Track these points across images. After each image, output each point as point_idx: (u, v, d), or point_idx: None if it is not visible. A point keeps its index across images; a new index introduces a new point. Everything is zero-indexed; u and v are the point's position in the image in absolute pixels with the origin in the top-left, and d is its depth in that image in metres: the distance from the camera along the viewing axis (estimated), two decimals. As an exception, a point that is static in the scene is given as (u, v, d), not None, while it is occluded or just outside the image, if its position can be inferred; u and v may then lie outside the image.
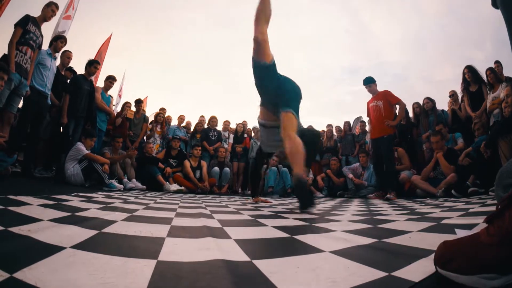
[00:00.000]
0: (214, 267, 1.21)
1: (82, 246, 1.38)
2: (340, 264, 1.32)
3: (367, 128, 11.81)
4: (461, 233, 1.29)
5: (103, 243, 1.51)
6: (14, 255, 1.17)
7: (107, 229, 1.84)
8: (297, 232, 2.14)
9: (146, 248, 1.46)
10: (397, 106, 8.54)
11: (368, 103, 8.82)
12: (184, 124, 12.78)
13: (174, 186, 9.26)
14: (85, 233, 1.65)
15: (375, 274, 1.14)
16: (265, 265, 1.25)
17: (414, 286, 1.03)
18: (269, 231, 2.22)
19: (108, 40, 16.55)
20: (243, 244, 1.68)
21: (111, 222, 2.09)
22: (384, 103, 8.28)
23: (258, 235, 2.05)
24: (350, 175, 10.06)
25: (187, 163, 10.25)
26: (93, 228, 1.81)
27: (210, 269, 1.18)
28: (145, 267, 1.14)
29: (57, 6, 6.97)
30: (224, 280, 1.07)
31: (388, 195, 7.36)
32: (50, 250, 1.26)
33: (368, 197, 8.26)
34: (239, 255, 1.42)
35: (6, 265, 1.01)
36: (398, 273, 1.14)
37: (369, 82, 8.69)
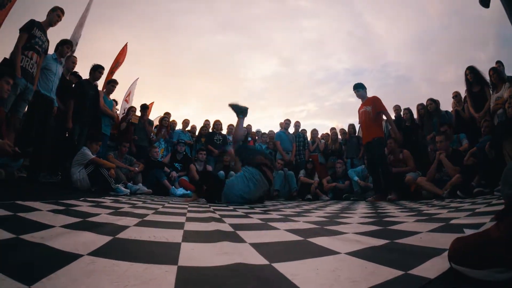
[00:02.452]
0: (236, 271, 1.22)
1: (99, 253, 1.36)
2: (357, 264, 1.36)
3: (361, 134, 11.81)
4: (470, 233, 1.31)
5: (120, 249, 1.49)
6: (30, 265, 1.13)
7: (121, 235, 1.83)
8: (309, 235, 2.15)
9: (164, 253, 1.46)
10: (384, 117, 8.60)
11: (358, 110, 8.91)
12: (189, 128, 12.80)
13: (180, 190, 9.23)
14: (100, 239, 1.63)
15: (393, 273, 1.18)
16: (285, 268, 1.26)
17: (431, 282, 1.07)
18: (282, 234, 2.24)
19: (124, 50, 16.50)
20: (259, 247, 1.69)
21: (124, 228, 2.08)
22: (372, 108, 8.33)
23: (272, 238, 2.04)
24: (356, 178, 10.00)
25: (193, 167, 10.24)
26: (107, 234, 1.79)
27: (232, 273, 1.19)
28: (167, 273, 1.13)
29: (62, 11, 6.93)
30: (250, 284, 1.08)
31: (389, 196, 7.40)
32: (67, 258, 1.23)
33: (367, 200, 8.14)
34: (258, 259, 1.43)
35: (23, 276, 0.99)
36: (414, 271, 1.19)
37: (356, 87, 8.84)
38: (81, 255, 1.28)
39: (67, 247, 1.40)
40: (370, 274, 1.19)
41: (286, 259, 1.43)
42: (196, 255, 1.47)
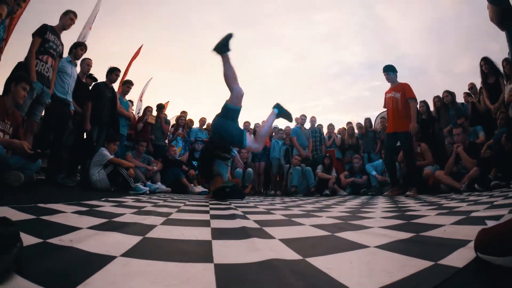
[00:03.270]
0: (273, 266, 1.23)
1: (131, 253, 1.35)
2: (389, 257, 1.40)
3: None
4: (491, 224, 1.35)
5: (152, 249, 1.50)
6: (63, 270, 1.09)
7: (150, 234, 1.82)
8: (335, 229, 2.18)
9: (196, 251, 1.48)
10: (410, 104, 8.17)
11: (386, 93, 8.40)
12: (205, 126, 12.67)
13: (199, 188, 9.30)
14: (130, 240, 1.62)
15: (423, 263, 1.23)
16: (319, 262, 1.29)
17: (460, 271, 1.14)
18: (308, 229, 2.26)
19: (139, 51, 16.65)
20: (289, 243, 1.70)
21: (151, 227, 2.07)
22: (401, 96, 7.88)
23: (299, 234, 2.06)
24: (374, 172, 9.99)
25: (210, 164, 10.19)
26: (135, 234, 1.79)
27: (269, 269, 1.20)
28: (205, 271, 1.14)
29: (75, 14, 6.98)
30: (288, 278, 1.09)
31: (408, 192, 7.10)
32: (100, 260, 1.20)
33: (384, 195, 7.97)
34: (290, 254, 1.44)
35: (58, 282, 0.96)
36: (444, 261, 1.25)
37: (387, 69, 8.25)
38: (114, 257, 1.26)
39: (98, 249, 1.37)
40: (403, 265, 1.23)
41: (318, 253, 1.44)
42: (229, 252, 1.48)
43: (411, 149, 8.02)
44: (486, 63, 8.36)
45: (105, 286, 0.95)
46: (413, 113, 7.79)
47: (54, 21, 6.72)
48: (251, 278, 1.10)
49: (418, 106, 10.21)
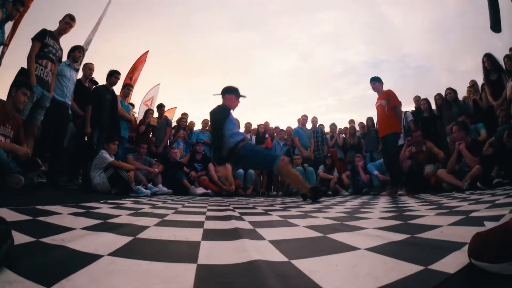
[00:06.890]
0: (254, 268, 1.22)
1: (119, 253, 1.36)
2: (377, 260, 1.35)
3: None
4: (489, 225, 1.32)
5: (140, 249, 1.51)
6: (50, 267, 1.12)
7: (141, 235, 1.83)
8: (329, 231, 2.13)
9: (183, 252, 1.47)
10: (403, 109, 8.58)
11: (375, 104, 8.96)
12: (208, 128, 12.60)
13: (200, 190, 9.30)
14: (120, 240, 1.63)
15: (413, 268, 1.17)
16: (304, 265, 1.26)
17: (451, 278, 1.07)
18: (301, 231, 2.23)
19: (144, 57, 16.65)
20: (278, 244, 1.69)
21: (144, 228, 2.08)
22: (387, 102, 8.41)
23: (291, 235, 2.04)
24: (376, 172, 9.98)
25: (211, 166, 10.23)
26: (127, 234, 1.80)
27: (251, 270, 1.19)
28: (186, 271, 1.14)
29: (71, 18, 7.04)
30: (267, 280, 1.08)
31: (399, 192, 7.48)
32: (87, 259, 1.22)
33: (381, 194, 8.16)
34: (277, 256, 1.43)
35: (42, 278, 0.97)
36: (435, 266, 1.18)
37: (373, 80, 8.93)
38: (102, 256, 1.28)
39: (87, 248, 1.40)
40: (390, 270, 1.19)
41: (305, 255, 1.43)
42: (215, 253, 1.48)
43: (395, 149, 8.55)
44: (489, 59, 8.45)
45: (86, 282, 0.98)
46: (399, 118, 8.60)
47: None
48: (230, 279, 1.12)
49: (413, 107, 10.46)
